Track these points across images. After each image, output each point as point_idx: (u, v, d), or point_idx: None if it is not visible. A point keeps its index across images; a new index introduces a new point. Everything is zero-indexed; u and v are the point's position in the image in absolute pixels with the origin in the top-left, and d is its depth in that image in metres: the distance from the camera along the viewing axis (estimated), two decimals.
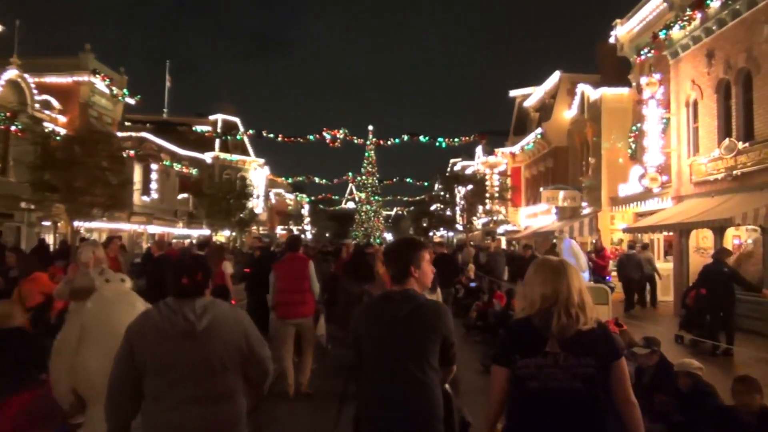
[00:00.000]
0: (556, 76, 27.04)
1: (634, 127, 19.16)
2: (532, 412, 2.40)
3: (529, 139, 28.81)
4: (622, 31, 19.82)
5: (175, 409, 2.49)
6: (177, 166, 35.42)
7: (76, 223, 19.32)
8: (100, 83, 25.89)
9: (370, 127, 49.64)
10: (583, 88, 22.95)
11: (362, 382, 2.93)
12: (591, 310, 2.47)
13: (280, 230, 60.46)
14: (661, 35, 16.35)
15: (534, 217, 29.17)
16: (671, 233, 16.39)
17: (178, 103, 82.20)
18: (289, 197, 69.37)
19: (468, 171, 42.71)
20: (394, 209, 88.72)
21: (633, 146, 19.30)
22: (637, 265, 14.97)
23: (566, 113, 25.33)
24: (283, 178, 58.57)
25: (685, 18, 15.22)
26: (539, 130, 27.19)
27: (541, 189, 25.11)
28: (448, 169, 51.89)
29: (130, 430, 2.66)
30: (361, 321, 2.98)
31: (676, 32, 15.88)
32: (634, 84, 19.84)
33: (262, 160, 48.62)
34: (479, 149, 41.17)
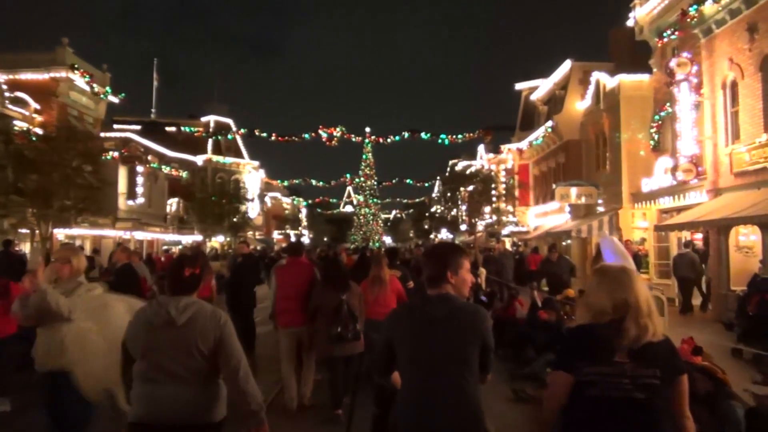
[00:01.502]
0: (566, 65, 25.40)
1: (656, 116, 17.67)
2: (591, 420, 2.34)
3: (538, 134, 27.13)
4: (642, 13, 18.23)
5: (154, 386, 2.89)
6: (166, 169, 33.75)
7: (54, 230, 17.69)
8: (79, 80, 24.25)
9: (367, 129, 47.74)
10: (599, 77, 21.34)
11: (402, 389, 2.79)
12: (658, 318, 2.42)
13: (276, 235, 58.83)
14: (691, 11, 14.78)
15: (544, 216, 27.53)
16: (695, 231, 14.96)
17: (169, 110, 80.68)
18: (286, 201, 67.73)
19: (470, 171, 41.08)
20: (393, 212, 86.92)
21: (656, 137, 17.84)
22: (690, 265, 13.76)
23: (579, 104, 23.72)
24: (278, 181, 56.76)
25: None
26: (549, 123, 25.50)
27: (554, 185, 23.44)
28: (448, 170, 50.20)
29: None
30: (396, 323, 2.88)
31: (708, 7, 14.32)
32: (655, 69, 18.32)
33: (256, 163, 47.01)
34: (481, 148, 39.55)
